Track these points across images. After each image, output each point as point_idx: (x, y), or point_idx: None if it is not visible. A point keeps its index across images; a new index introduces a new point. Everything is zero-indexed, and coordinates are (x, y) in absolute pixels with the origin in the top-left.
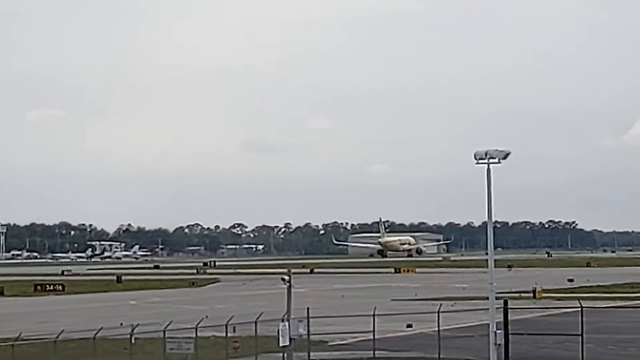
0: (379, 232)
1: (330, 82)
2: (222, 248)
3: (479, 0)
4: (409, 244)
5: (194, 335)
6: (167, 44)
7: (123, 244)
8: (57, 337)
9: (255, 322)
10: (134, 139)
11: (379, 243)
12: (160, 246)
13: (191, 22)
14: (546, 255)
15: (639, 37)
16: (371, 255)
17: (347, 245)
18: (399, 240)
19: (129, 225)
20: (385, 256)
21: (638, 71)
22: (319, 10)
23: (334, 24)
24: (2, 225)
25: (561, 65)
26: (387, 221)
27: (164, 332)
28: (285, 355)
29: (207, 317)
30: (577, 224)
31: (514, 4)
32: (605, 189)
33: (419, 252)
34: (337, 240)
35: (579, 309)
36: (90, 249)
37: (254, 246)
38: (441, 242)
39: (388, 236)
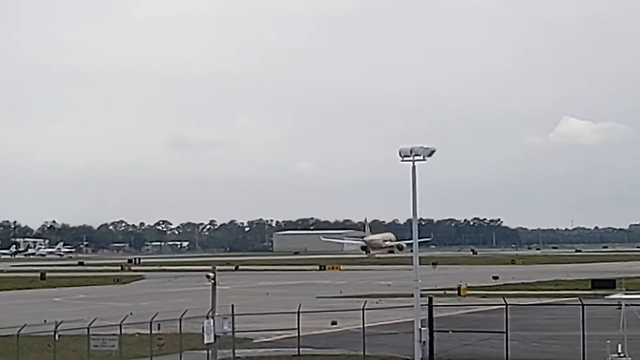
0: (306, 229)
1: (257, 79)
2: (147, 245)
3: (401, 4)
4: (390, 240)
5: (118, 332)
6: (93, 42)
7: (47, 241)
8: None
9: (180, 320)
10: (60, 136)
11: (364, 241)
12: (85, 243)
13: (118, 20)
14: (471, 252)
15: (565, 36)
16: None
17: (334, 241)
18: (382, 237)
19: (54, 222)
20: (368, 252)
21: (564, 70)
22: (245, 6)
23: (262, 21)
24: None
25: (486, 64)
26: (373, 221)
27: (88, 329)
28: (209, 352)
29: (131, 314)
30: (502, 222)
31: (438, 4)
32: (530, 186)
33: (400, 248)
34: (325, 237)
35: (504, 306)
36: (14, 246)
37: (178, 243)
38: (421, 241)
39: (372, 234)
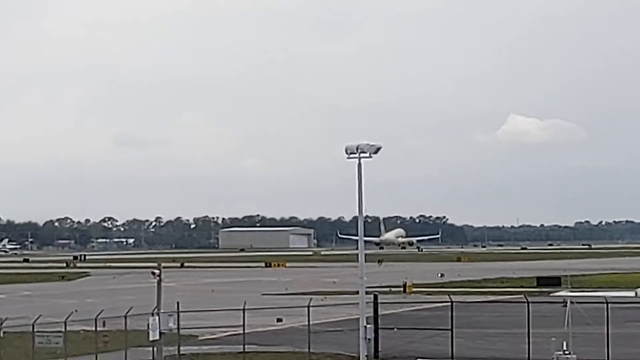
0: (252, 226)
1: (202, 77)
2: (93, 242)
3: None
4: (402, 236)
5: (63, 329)
6: (37, 37)
7: None
8: None
9: (125, 316)
10: (3, 132)
11: (380, 240)
12: (30, 239)
13: (61, 17)
14: (416, 249)
15: (512, 35)
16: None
17: (350, 238)
18: (395, 234)
19: None
20: (382, 248)
21: (511, 68)
22: (190, 4)
23: (207, 18)
24: None
25: (432, 63)
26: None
27: (33, 326)
28: (155, 349)
29: (76, 311)
30: (447, 219)
31: (386, 5)
32: (476, 184)
33: (410, 244)
34: (342, 234)
35: (449, 303)
36: None
37: (124, 240)
38: (433, 237)
39: (386, 232)
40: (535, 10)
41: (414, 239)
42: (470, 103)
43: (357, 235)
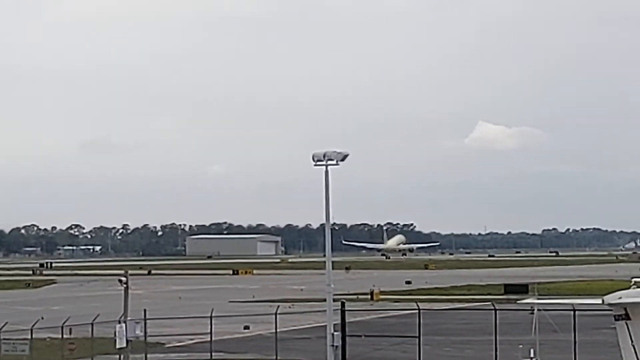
0: (219, 234)
1: (171, 83)
2: (59, 249)
3: (318, 5)
4: (403, 243)
5: (29, 336)
6: (3, 41)
7: None
8: None
9: (92, 324)
10: None
11: (383, 248)
12: None
13: (29, 21)
14: (384, 257)
15: (479, 42)
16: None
17: (355, 245)
18: (396, 242)
19: None
20: (388, 258)
21: (479, 75)
22: (159, 9)
23: (178, 24)
24: None
25: (402, 69)
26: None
27: None
28: (122, 357)
29: (42, 318)
30: (415, 226)
31: (353, 8)
32: (444, 191)
33: (411, 250)
34: (346, 241)
35: (417, 310)
36: None
37: (91, 247)
38: (432, 245)
39: (388, 240)
40: (504, 17)
41: (414, 246)
42: (439, 110)
43: (361, 242)
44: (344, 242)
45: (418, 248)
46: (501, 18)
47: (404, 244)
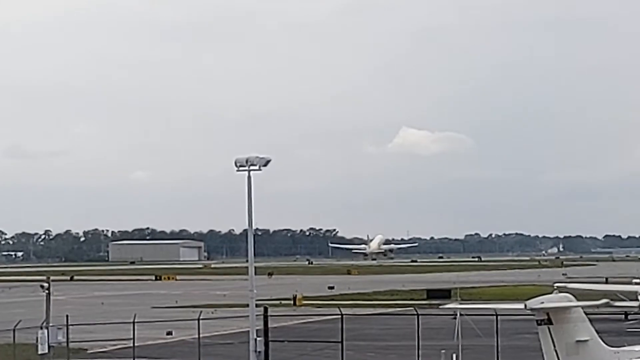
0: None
1: (93, 89)
2: None
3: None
4: (385, 243)
5: None
6: None
7: None
8: None
9: (14, 330)
10: None
11: (366, 250)
12: None
13: None
14: (307, 262)
15: (402, 47)
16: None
17: (341, 248)
18: (378, 243)
19: None
20: (374, 259)
21: (402, 81)
22: (82, 16)
23: (99, 31)
24: None
25: (324, 75)
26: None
27: None
28: None
29: None
30: (337, 232)
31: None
32: (366, 197)
33: (391, 250)
34: (332, 243)
35: (339, 316)
36: None
37: (13, 253)
38: (411, 246)
39: (370, 243)
40: (426, 23)
41: (394, 246)
42: (362, 115)
43: (348, 244)
44: (330, 244)
45: (398, 248)
46: (424, 24)
47: (384, 244)
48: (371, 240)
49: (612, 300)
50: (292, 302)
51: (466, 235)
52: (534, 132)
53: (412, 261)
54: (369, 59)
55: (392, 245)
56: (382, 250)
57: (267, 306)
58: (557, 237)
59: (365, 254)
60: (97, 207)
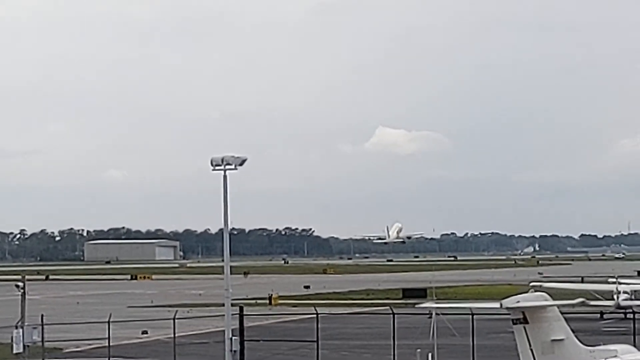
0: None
1: (68, 87)
2: None
3: (211, 10)
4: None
5: None
6: None
7: None
8: None
9: None
10: None
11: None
12: None
13: None
14: (283, 262)
15: (378, 47)
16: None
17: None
18: (396, 230)
19: None
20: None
21: (378, 82)
22: (54, 15)
23: (72, 29)
24: None
25: (300, 74)
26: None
27: None
28: None
29: None
30: (313, 231)
31: (247, 16)
32: (342, 196)
33: (409, 237)
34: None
35: (315, 315)
36: None
37: None
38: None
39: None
40: (401, 23)
41: (412, 234)
42: (338, 115)
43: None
44: (354, 236)
45: (410, 237)
46: (401, 25)
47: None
48: (390, 231)
49: (587, 299)
50: (267, 301)
51: (442, 235)
52: (510, 132)
53: (388, 260)
54: (345, 59)
55: (410, 233)
56: (402, 239)
57: (242, 305)
58: (533, 237)
59: (386, 243)
60: (73, 206)
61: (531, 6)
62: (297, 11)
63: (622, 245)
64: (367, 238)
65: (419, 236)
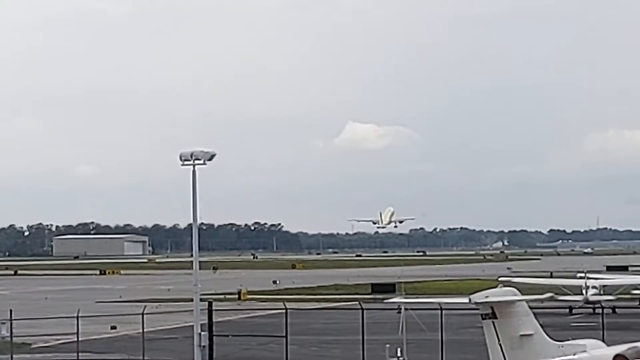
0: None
1: (36, 81)
2: None
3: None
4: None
5: None
6: None
7: None
8: None
9: None
10: None
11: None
12: None
13: None
14: (251, 257)
15: (347, 41)
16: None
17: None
18: (389, 214)
19: None
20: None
21: (349, 75)
22: (19, 10)
23: (35, 21)
24: None
25: (269, 68)
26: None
27: None
28: None
29: None
30: (282, 226)
31: (217, 8)
32: (311, 191)
33: (401, 222)
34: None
35: (284, 310)
36: None
37: None
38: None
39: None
40: (369, 16)
41: (403, 217)
42: (308, 110)
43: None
44: (347, 219)
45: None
46: (367, 17)
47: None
48: (382, 216)
49: (556, 294)
50: (236, 296)
51: (411, 230)
52: (478, 127)
53: (357, 255)
54: (314, 52)
55: (402, 217)
56: (394, 222)
57: (211, 301)
58: (501, 232)
59: (382, 227)
60: (41, 201)
61: None
62: (267, 3)
63: (590, 240)
64: (358, 221)
65: (411, 220)
